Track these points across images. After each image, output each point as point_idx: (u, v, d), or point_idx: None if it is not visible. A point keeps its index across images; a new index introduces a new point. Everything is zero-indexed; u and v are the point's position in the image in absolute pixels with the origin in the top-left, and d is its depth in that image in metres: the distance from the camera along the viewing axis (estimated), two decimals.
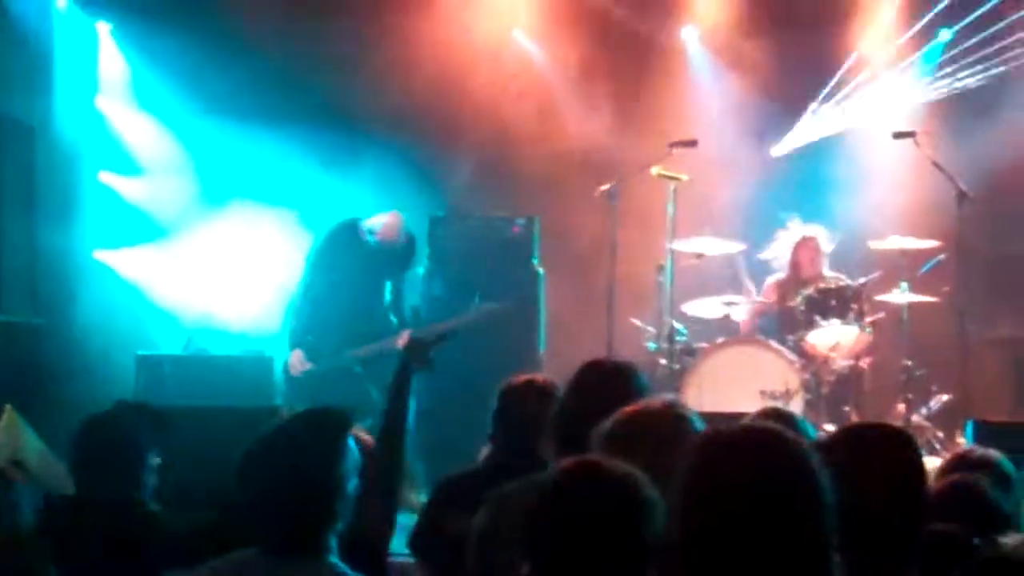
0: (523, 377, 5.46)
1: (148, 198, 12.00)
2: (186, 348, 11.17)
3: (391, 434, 4.79)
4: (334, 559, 3.77)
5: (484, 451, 5.57)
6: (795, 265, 11.03)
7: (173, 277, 11.74)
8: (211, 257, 11.67)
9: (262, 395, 10.19)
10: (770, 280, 11.24)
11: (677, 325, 10.57)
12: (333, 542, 3.79)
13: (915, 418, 10.18)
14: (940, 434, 10.07)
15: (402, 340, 10.09)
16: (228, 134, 11.68)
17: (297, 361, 10.28)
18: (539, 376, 5.54)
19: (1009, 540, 3.82)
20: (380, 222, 10.43)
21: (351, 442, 3.90)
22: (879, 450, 3.65)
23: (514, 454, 5.13)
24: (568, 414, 4.51)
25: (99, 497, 4.99)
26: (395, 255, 10.53)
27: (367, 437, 4.72)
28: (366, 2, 11.94)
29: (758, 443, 2.83)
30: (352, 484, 3.86)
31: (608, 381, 4.58)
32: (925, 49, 12.25)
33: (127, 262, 11.83)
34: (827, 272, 10.90)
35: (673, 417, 3.77)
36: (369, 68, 11.70)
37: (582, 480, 3.15)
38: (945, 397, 10.54)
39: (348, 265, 10.39)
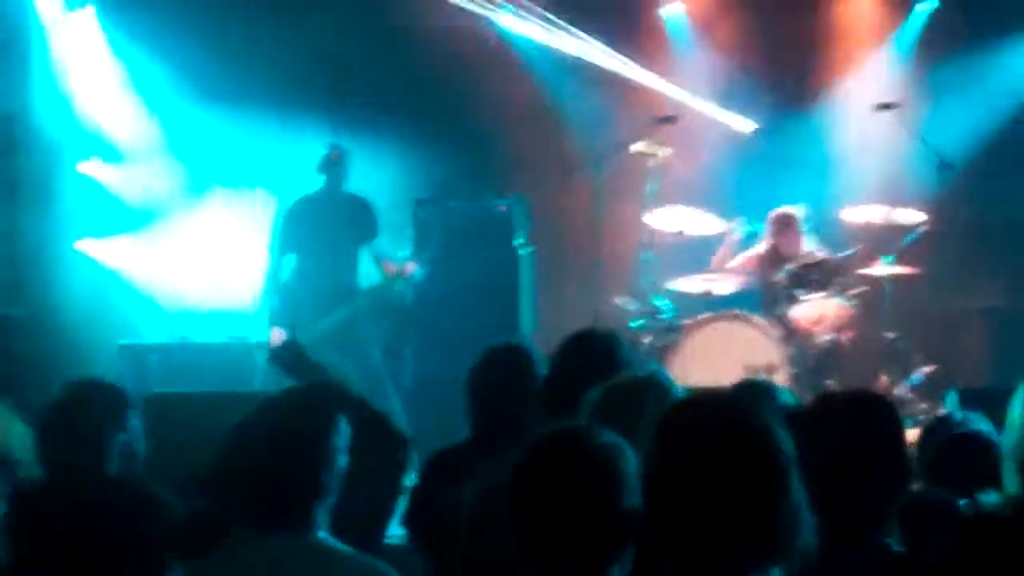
0: (498, 346, 5.45)
1: (130, 186, 11.89)
2: (170, 336, 11.16)
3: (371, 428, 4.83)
4: (323, 534, 3.77)
5: None
6: (774, 244, 11.04)
7: (157, 264, 11.70)
8: (196, 242, 11.66)
9: (246, 381, 10.24)
10: (751, 252, 11.23)
11: (660, 302, 10.64)
12: (323, 517, 3.79)
13: (898, 390, 10.26)
14: (924, 405, 10.13)
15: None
16: (214, 117, 11.61)
17: (276, 338, 10.32)
18: (513, 343, 5.54)
19: (991, 499, 3.88)
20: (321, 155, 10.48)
21: (342, 420, 3.93)
22: (851, 417, 3.73)
23: (498, 425, 5.12)
24: (555, 384, 4.56)
25: (64, 477, 4.92)
26: (353, 213, 10.54)
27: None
28: None
29: (717, 409, 2.86)
30: (343, 460, 3.88)
31: (594, 352, 4.63)
32: (907, 19, 12.33)
33: (109, 251, 11.76)
34: (807, 247, 10.93)
35: (657, 387, 3.83)
36: (354, 52, 11.71)
37: (558, 450, 3.15)
38: (928, 368, 10.61)
39: (309, 234, 10.41)
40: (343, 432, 3.89)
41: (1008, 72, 11.89)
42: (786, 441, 2.82)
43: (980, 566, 3.44)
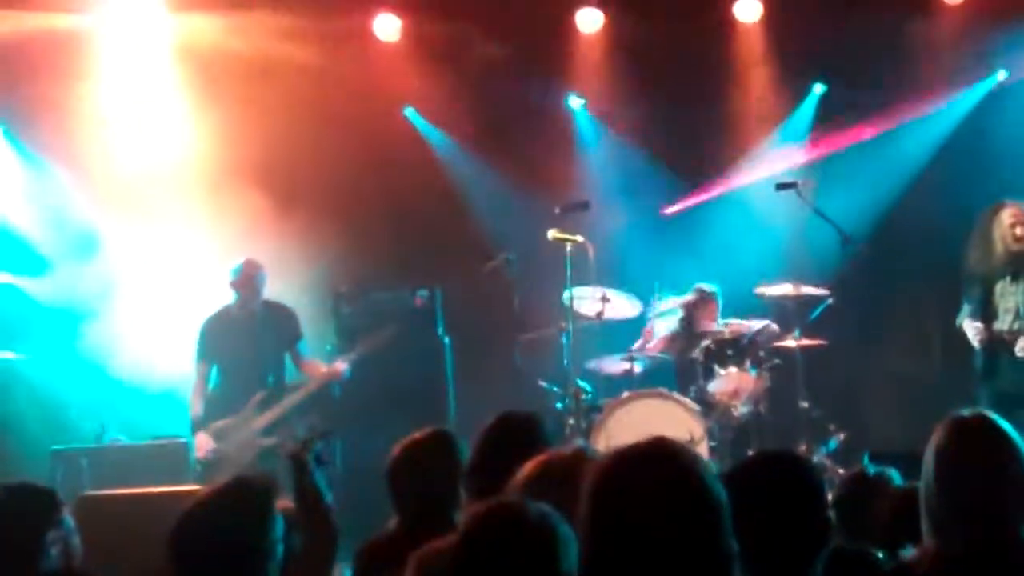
0: (419, 435, 5.36)
1: (50, 292, 11.86)
2: (100, 437, 11.09)
3: (311, 520, 4.84)
4: None
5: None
6: (690, 320, 11.15)
7: (86, 365, 11.69)
8: (122, 337, 11.67)
9: (179, 478, 10.18)
10: (665, 333, 11.34)
11: (582, 383, 10.69)
12: None
13: (816, 457, 10.33)
14: (840, 471, 10.19)
15: (312, 384, 10.31)
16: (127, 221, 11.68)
17: (203, 443, 10.28)
18: (428, 431, 5.51)
19: (909, 553, 3.92)
20: (233, 271, 10.48)
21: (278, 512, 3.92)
22: (774, 477, 3.77)
23: (426, 510, 5.07)
24: (479, 466, 4.57)
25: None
26: (271, 321, 10.57)
27: (289, 504, 4.75)
28: (253, 93, 11.78)
29: (649, 458, 2.88)
30: (280, 550, 3.87)
31: (516, 432, 4.66)
32: (801, 104, 12.56)
33: (35, 359, 11.69)
34: (720, 323, 11.06)
35: (585, 461, 3.84)
36: (268, 150, 11.70)
37: (497, 523, 3.17)
38: (842, 435, 10.70)
39: (228, 347, 10.45)
40: (279, 522, 3.89)
41: (899, 152, 12.15)
42: (717, 484, 2.84)
43: None
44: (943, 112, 12.34)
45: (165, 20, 11.91)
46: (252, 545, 3.78)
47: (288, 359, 10.67)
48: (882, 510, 4.58)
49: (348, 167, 11.85)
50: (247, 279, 10.50)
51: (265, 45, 11.66)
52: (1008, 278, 9.87)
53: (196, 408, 10.46)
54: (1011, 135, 11.86)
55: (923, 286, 12.02)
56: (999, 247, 9.84)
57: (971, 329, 9.99)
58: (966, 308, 10.12)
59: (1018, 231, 9.75)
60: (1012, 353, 9.76)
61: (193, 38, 11.82)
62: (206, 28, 11.78)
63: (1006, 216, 9.81)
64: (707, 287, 11.20)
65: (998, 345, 9.84)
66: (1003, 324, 9.87)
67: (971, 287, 10.07)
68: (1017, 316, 9.81)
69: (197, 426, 10.38)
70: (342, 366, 10.50)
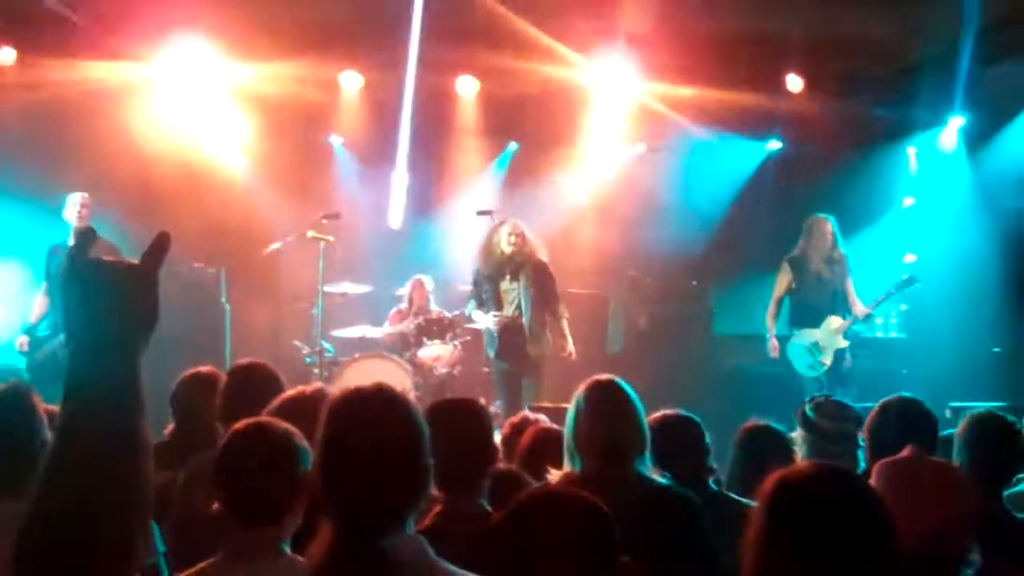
0: (191, 374, 5.27)
1: None
2: None
3: None
4: None
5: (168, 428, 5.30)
6: (410, 300, 11.16)
7: None
8: None
9: None
10: (394, 310, 11.30)
11: (326, 345, 10.59)
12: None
13: (492, 408, 10.42)
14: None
15: None
16: None
17: (21, 343, 10.09)
18: (202, 368, 5.39)
19: (553, 476, 3.97)
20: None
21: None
22: (457, 415, 3.78)
23: (195, 427, 4.98)
24: (231, 401, 4.51)
25: None
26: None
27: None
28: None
29: (370, 395, 2.81)
30: (41, 437, 3.75)
31: (255, 377, 4.68)
32: (500, 155, 12.72)
33: None
34: (433, 306, 11.08)
35: (322, 397, 3.81)
36: (87, 161, 11.05)
37: (252, 434, 3.17)
38: None
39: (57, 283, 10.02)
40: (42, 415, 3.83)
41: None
42: (419, 417, 2.82)
43: (530, 523, 3.50)
44: (599, 167, 12.64)
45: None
46: (22, 429, 3.73)
47: None
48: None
49: (174, 176, 11.44)
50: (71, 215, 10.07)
51: None
52: (508, 277, 9.80)
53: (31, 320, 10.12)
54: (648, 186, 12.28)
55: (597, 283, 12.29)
56: (498, 252, 9.76)
57: (483, 318, 9.87)
58: (472, 303, 10.02)
59: (513, 239, 9.70)
60: (521, 335, 9.70)
61: None
62: None
63: (505, 230, 9.73)
64: (422, 279, 11.19)
65: (510, 328, 9.79)
66: (509, 312, 9.82)
67: (479, 285, 9.92)
68: (518, 307, 9.78)
69: (24, 331, 10.11)
70: None
